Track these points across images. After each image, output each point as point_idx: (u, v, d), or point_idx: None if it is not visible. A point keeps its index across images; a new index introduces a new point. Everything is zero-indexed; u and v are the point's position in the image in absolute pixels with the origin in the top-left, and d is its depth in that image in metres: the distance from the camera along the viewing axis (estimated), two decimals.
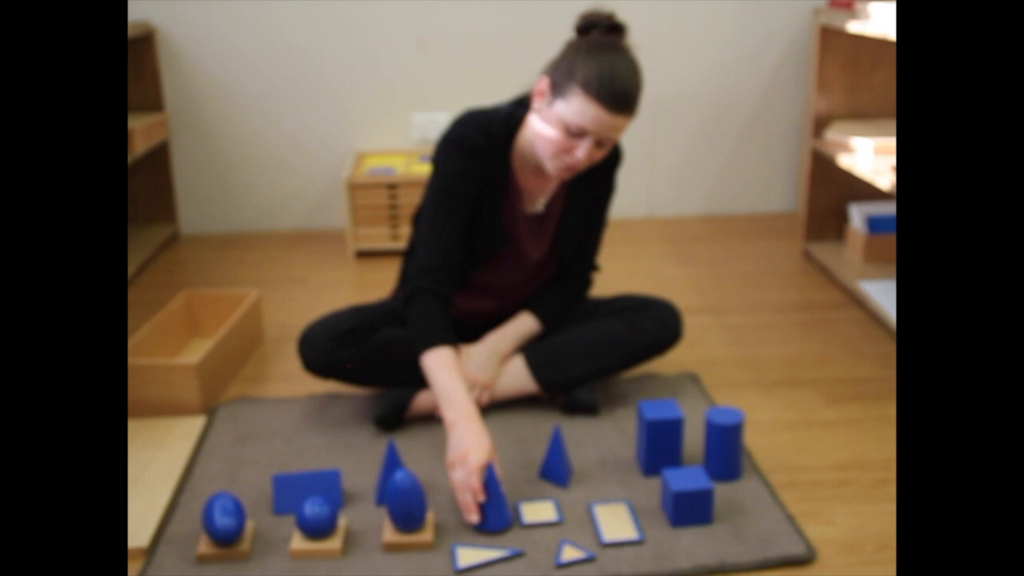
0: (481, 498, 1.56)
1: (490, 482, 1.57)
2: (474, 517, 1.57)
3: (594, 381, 2.00)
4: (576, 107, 1.66)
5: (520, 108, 1.86)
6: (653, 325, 1.98)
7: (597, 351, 1.95)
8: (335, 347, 1.88)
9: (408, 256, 2.06)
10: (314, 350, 1.89)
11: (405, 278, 2.08)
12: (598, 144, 1.71)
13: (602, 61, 1.65)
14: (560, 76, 1.69)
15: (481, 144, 1.81)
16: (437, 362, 1.72)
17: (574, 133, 1.69)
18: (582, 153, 1.70)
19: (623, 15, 1.88)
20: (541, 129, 1.74)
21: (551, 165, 1.76)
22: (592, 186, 1.96)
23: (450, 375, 1.70)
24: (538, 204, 1.93)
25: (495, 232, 1.89)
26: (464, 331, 2.00)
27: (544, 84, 1.74)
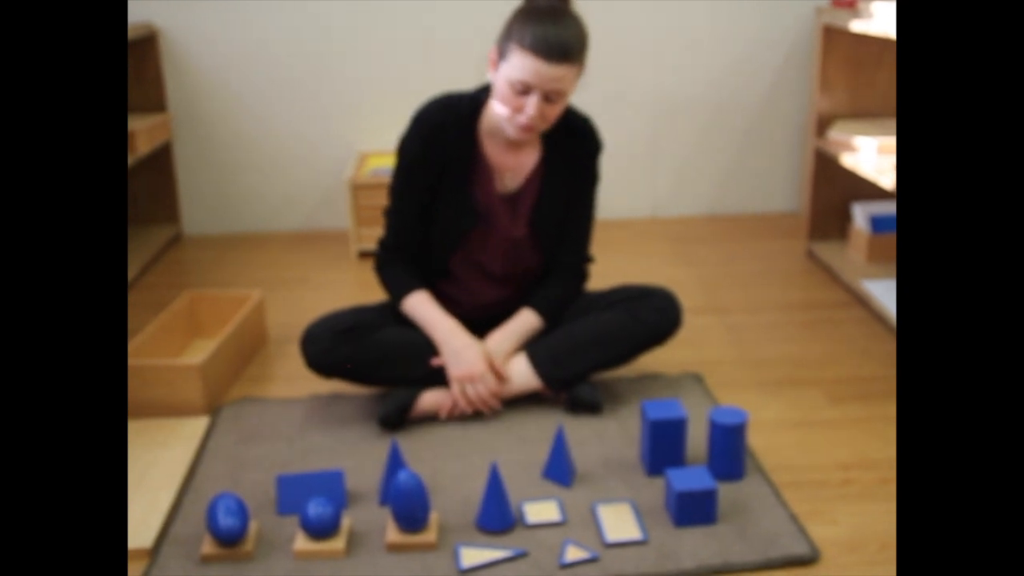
0: (496, 404, 1.92)
1: (492, 481, 1.57)
2: (496, 404, 1.93)
3: (597, 374, 2.00)
4: (516, 63, 1.75)
5: (486, 89, 1.93)
6: (653, 314, 1.99)
7: (599, 344, 1.95)
8: (337, 345, 1.88)
9: None
10: (316, 348, 1.89)
11: None
12: (547, 99, 1.78)
13: (537, 19, 1.75)
14: (503, 42, 1.79)
15: (441, 121, 1.90)
16: (416, 303, 1.96)
17: (519, 90, 1.77)
18: (532, 108, 1.78)
19: (627, 16, 1.89)
20: (494, 95, 1.83)
21: (510, 129, 1.84)
22: (570, 170, 1.98)
23: (429, 307, 1.95)
24: (509, 182, 1.96)
25: (465, 208, 1.93)
26: (467, 328, 1.99)
27: (493, 53, 1.83)
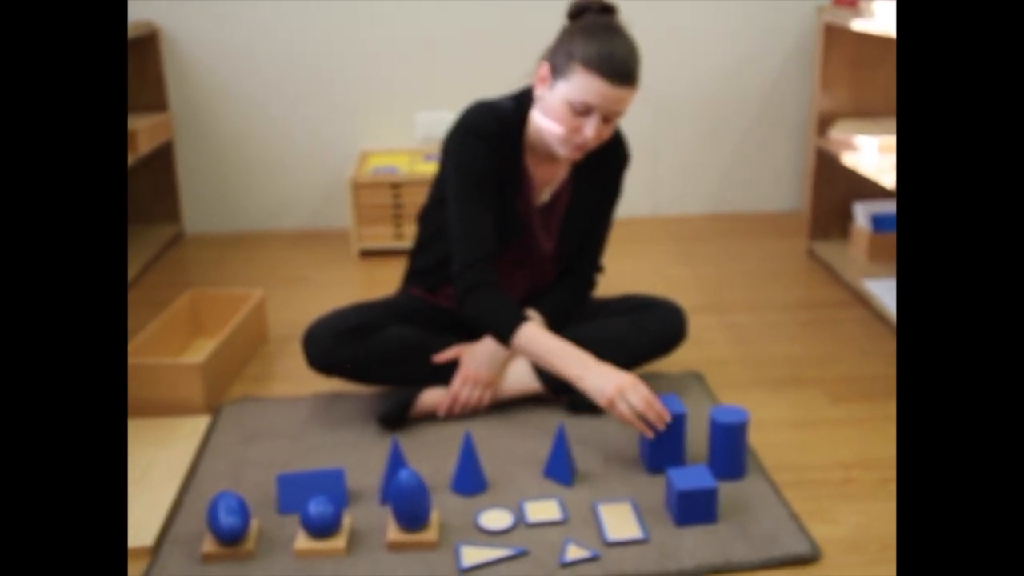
0: (667, 416, 1.67)
1: (466, 448, 1.65)
2: (649, 433, 1.68)
3: None
4: (579, 84, 1.70)
5: (525, 98, 1.88)
6: (658, 325, 1.99)
7: (602, 351, 1.94)
8: (339, 344, 1.88)
9: (415, 254, 2.06)
10: (318, 347, 1.89)
11: (411, 276, 2.08)
12: (605, 120, 1.74)
13: (599, 38, 1.70)
14: (560, 59, 1.74)
15: (495, 130, 1.84)
16: (530, 335, 1.76)
17: (580, 111, 1.72)
18: (591, 130, 1.73)
19: (628, 15, 1.90)
20: (547, 113, 1.77)
21: (562, 149, 1.78)
22: (598, 182, 1.96)
23: (549, 338, 1.76)
24: (544, 194, 1.94)
25: (511, 220, 1.90)
26: (470, 329, 1.99)
27: (544, 70, 1.78)
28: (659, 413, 1.67)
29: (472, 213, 1.82)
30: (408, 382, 1.93)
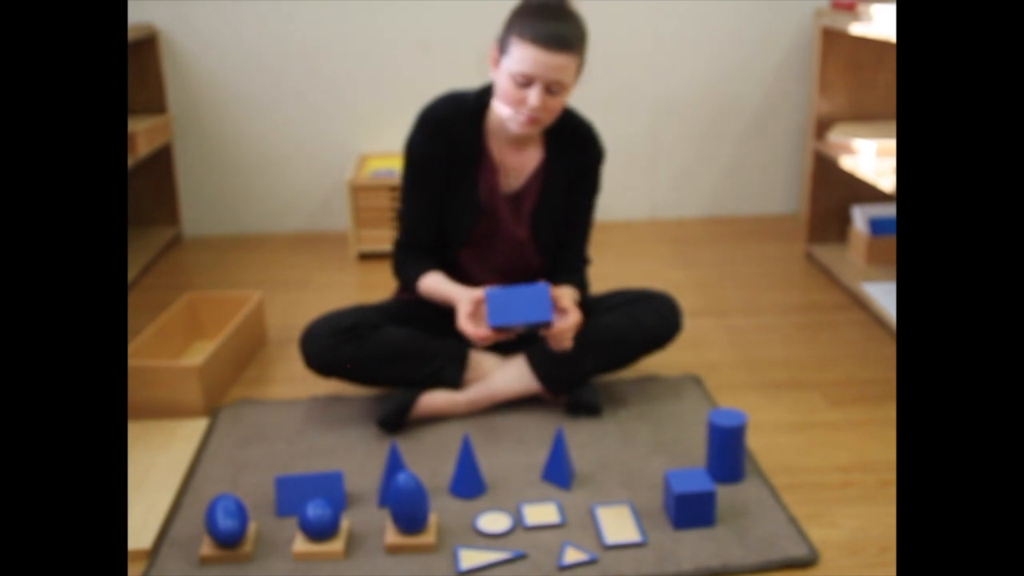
0: (480, 332, 1.77)
1: (464, 451, 1.65)
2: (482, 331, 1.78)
3: (596, 377, 2.00)
4: (516, 55, 1.78)
5: (491, 87, 1.94)
6: (653, 319, 1.99)
7: (599, 347, 1.95)
8: (337, 343, 1.88)
9: None
10: (316, 347, 1.89)
11: None
12: (549, 91, 1.80)
13: (537, 13, 1.78)
14: (503, 37, 1.83)
15: (447, 115, 1.92)
16: (431, 281, 1.93)
17: (521, 82, 1.80)
18: (534, 100, 1.79)
19: (626, 18, 1.91)
20: (497, 92, 1.85)
21: (513, 123, 1.85)
22: (571, 175, 2.00)
23: (447, 284, 1.91)
24: (512, 181, 1.97)
25: (471, 203, 1.94)
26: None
27: (494, 51, 1.86)
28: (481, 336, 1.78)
29: (407, 201, 1.98)
30: (406, 383, 1.93)
